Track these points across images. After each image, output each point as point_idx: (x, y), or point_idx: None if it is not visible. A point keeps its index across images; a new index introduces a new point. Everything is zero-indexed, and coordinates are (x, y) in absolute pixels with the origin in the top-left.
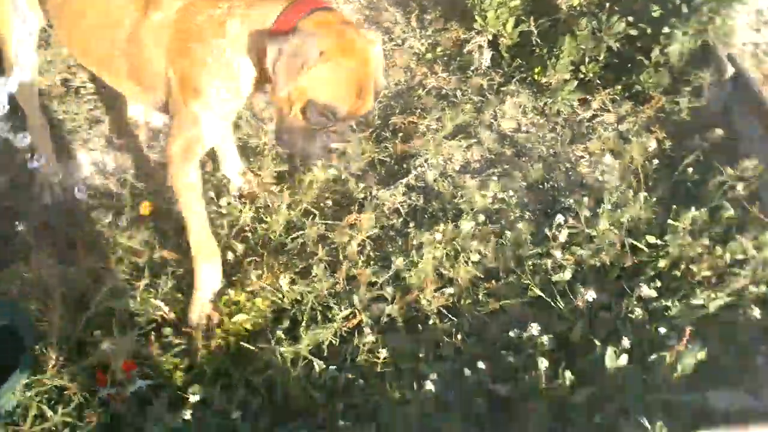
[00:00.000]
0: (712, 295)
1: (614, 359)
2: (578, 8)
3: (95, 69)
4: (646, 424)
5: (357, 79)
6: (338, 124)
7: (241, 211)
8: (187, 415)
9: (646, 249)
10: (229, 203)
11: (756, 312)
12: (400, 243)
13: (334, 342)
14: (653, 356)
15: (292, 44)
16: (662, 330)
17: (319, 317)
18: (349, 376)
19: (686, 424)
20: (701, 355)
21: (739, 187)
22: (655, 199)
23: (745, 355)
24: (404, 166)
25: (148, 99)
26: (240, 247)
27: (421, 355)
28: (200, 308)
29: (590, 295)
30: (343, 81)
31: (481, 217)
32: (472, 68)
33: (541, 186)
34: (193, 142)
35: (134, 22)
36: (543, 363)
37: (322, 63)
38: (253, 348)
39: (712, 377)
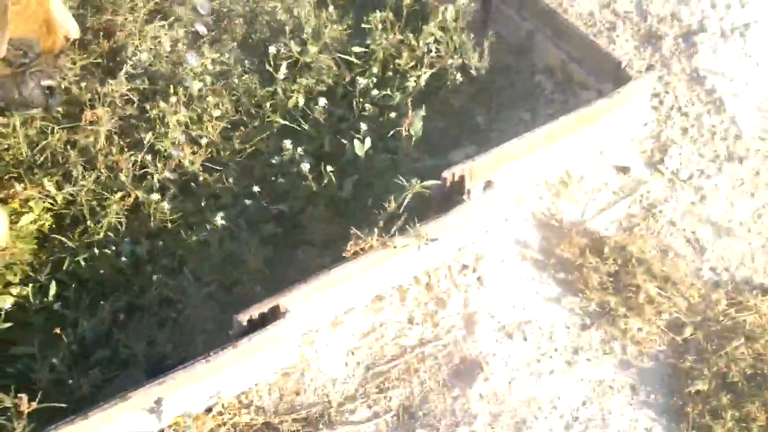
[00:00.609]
0: (419, 73)
1: (362, 148)
2: None
3: None
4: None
5: (41, 18)
6: (40, 61)
7: None
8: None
9: (356, 60)
10: None
11: (458, 77)
12: (144, 125)
13: (122, 222)
14: (390, 134)
15: None
16: (392, 115)
17: (97, 207)
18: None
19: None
20: (419, 123)
21: None
22: (345, 22)
23: (464, 117)
24: (118, 60)
25: None
26: None
27: (203, 205)
28: None
29: (322, 101)
30: (29, 19)
31: (209, 79)
32: None
33: (250, 40)
34: None
35: None
36: (305, 166)
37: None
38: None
39: (447, 144)
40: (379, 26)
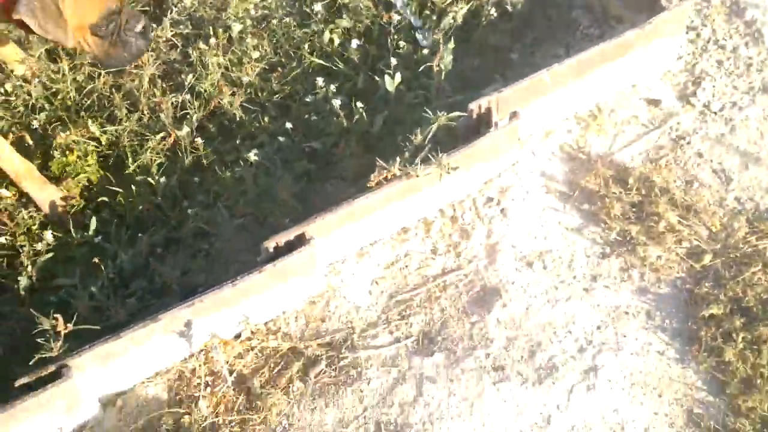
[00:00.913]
0: (456, 9)
1: (392, 83)
2: None
3: None
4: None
5: None
6: (122, 16)
7: (29, 92)
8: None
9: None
10: (14, 86)
11: (493, 12)
12: (186, 68)
13: (162, 162)
14: (421, 70)
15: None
16: (425, 52)
17: (138, 147)
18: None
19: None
20: (449, 57)
21: None
22: None
23: (500, 53)
24: (164, 6)
25: None
26: (42, 117)
27: (239, 143)
28: None
29: (354, 42)
30: None
31: (249, 21)
32: None
33: None
34: None
35: None
36: (336, 102)
37: None
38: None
39: (481, 81)
40: None
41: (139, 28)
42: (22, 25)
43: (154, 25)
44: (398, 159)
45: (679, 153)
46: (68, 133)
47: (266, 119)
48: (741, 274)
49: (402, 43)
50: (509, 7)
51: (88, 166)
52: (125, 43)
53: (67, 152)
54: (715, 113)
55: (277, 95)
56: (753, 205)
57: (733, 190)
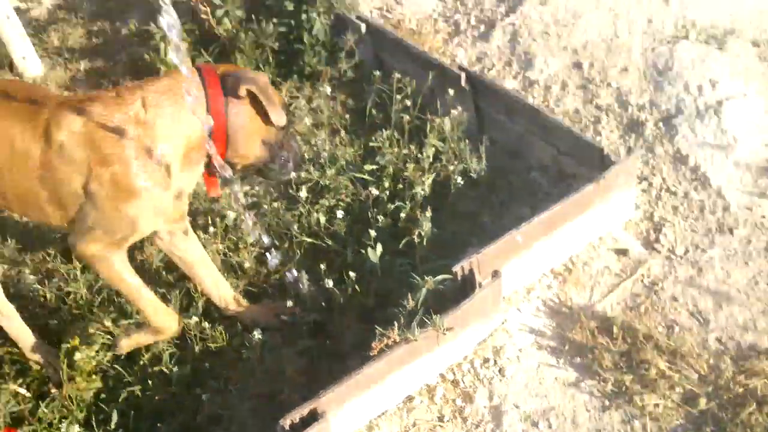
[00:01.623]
0: (424, 179)
1: (375, 254)
2: (232, 31)
3: (17, 208)
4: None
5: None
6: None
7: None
8: None
9: (369, 178)
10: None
11: (460, 180)
12: None
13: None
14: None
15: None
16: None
17: None
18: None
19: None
20: (427, 225)
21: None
22: (357, 144)
23: (471, 218)
24: None
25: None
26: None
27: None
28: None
29: (340, 213)
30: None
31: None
32: None
33: None
34: (122, 241)
35: (40, 150)
36: (329, 282)
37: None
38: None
39: (459, 245)
40: (386, 143)
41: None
42: None
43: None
44: (396, 324)
45: (655, 299)
46: (84, 326)
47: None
48: (738, 416)
49: (380, 217)
50: (474, 175)
51: (107, 361)
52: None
53: (85, 347)
54: (681, 257)
55: (273, 276)
56: (734, 344)
57: (713, 331)
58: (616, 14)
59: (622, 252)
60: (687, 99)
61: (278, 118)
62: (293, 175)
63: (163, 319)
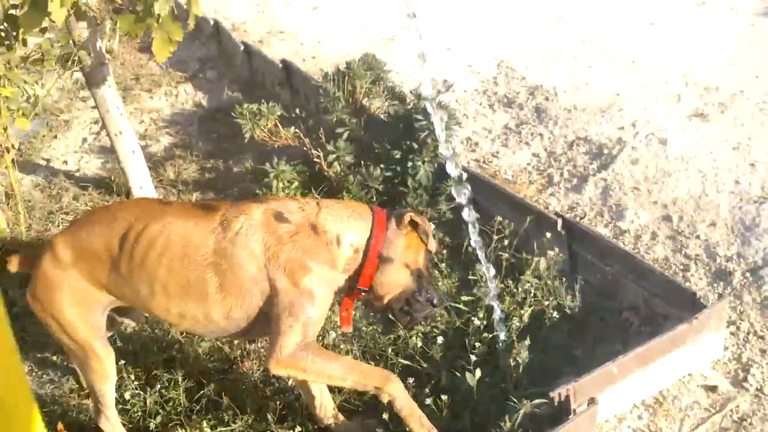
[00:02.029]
0: (522, 312)
1: (473, 378)
2: (341, 173)
3: (182, 308)
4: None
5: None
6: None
7: (145, 400)
8: None
9: (464, 308)
10: (132, 394)
11: (555, 314)
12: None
13: None
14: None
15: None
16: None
17: None
18: None
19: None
20: (524, 353)
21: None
22: (454, 276)
23: (563, 351)
24: None
25: (236, 314)
26: (158, 419)
27: None
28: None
29: (440, 339)
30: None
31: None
32: None
33: None
34: (309, 332)
35: (215, 241)
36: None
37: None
38: None
39: (550, 375)
40: (483, 276)
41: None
42: None
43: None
44: None
45: None
46: (184, 431)
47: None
48: None
49: (477, 344)
50: (567, 311)
51: None
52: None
53: None
54: None
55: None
56: None
57: None
58: (705, 175)
59: (711, 389)
60: None
61: (432, 244)
62: (433, 312)
63: (380, 375)
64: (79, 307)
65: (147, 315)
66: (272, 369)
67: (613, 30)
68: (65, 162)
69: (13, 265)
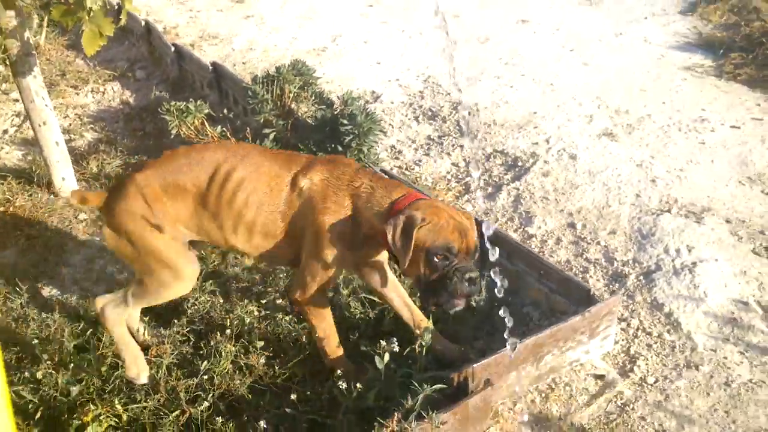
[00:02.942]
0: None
1: (381, 362)
2: None
3: (258, 240)
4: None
5: (456, 226)
6: (458, 259)
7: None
8: None
9: (379, 300)
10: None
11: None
12: (197, 360)
13: None
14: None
15: (399, 219)
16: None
17: (156, 424)
18: None
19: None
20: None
21: None
22: None
23: (468, 342)
24: (178, 308)
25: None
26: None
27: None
28: None
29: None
30: (446, 229)
31: (255, 321)
32: None
33: None
34: (324, 284)
35: (287, 192)
36: (342, 385)
37: (425, 224)
38: None
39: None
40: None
41: (468, 275)
42: None
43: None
44: (395, 415)
45: (626, 417)
46: (96, 408)
47: (268, 396)
48: None
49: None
50: (474, 304)
51: None
52: (450, 280)
53: (96, 424)
54: (651, 385)
55: (279, 378)
56: None
57: None
58: (609, 188)
59: (599, 377)
60: (666, 259)
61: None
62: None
63: (336, 361)
64: (164, 236)
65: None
66: (291, 300)
67: (535, 54)
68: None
69: (76, 197)
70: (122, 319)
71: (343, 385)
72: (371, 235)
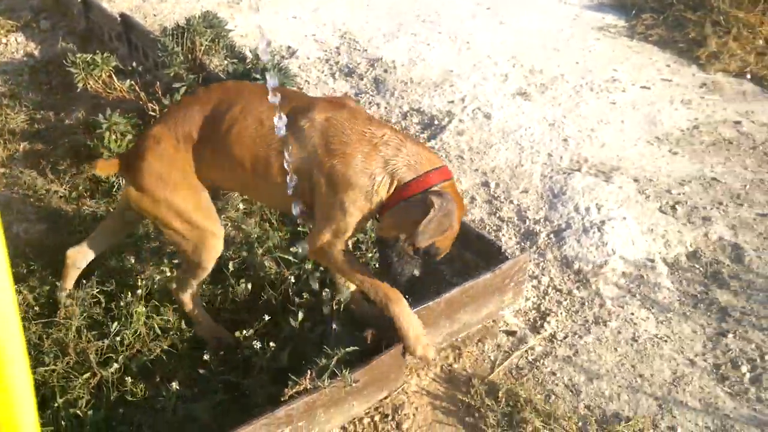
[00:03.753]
0: None
1: (296, 320)
2: None
3: (252, 180)
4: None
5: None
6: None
7: None
8: None
9: (294, 260)
10: None
11: (375, 265)
12: (109, 321)
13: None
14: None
15: (445, 209)
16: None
17: (65, 386)
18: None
19: None
20: (346, 293)
21: None
22: (286, 230)
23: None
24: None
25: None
26: None
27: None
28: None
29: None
30: (453, 237)
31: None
32: None
33: None
34: (340, 232)
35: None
36: (257, 344)
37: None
38: None
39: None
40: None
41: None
42: None
43: None
44: (309, 373)
45: (536, 372)
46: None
47: (184, 358)
48: None
49: (305, 294)
50: None
51: None
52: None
53: None
54: (561, 341)
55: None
56: (600, 411)
57: (583, 400)
58: (522, 147)
59: (511, 333)
60: (576, 217)
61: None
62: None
63: (386, 289)
64: (188, 191)
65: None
66: (309, 255)
67: (451, 12)
68: None
69: (101, 167)
70: (196, 299)
71: (257, 345)
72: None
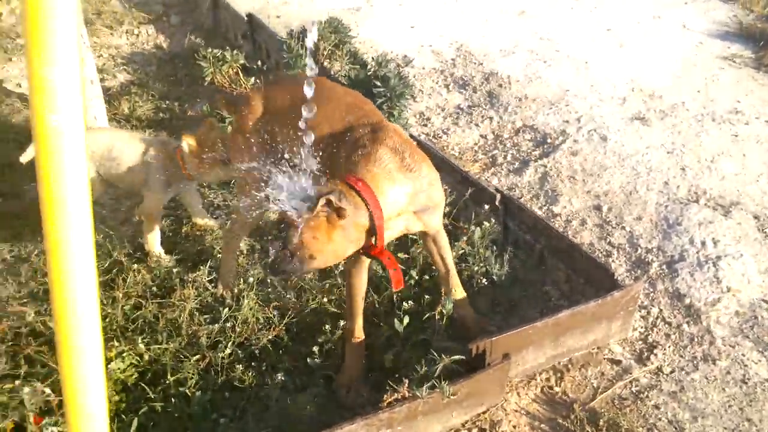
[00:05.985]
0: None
1: (401, 325)
2: None
3: None
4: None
5: None
6: None
7: None
8: None
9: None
10: None
11: (483, 281)
12: (220, 307)
13: (197, 379)
14: (426, 317)
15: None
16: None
17: (177, 366)
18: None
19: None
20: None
21: None
22: None
23: (486, 315)
24: (202, 256)
25: None
26: None
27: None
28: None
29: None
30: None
31: None
32: None
33: None
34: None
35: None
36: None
37: None
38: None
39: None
40: (419, 240)
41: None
42: None
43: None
44: (406, 382)
45: (640, 404)
46: (119, 345)
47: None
48: None
49: (410, 302)
50: (495, 278)
51: (130, 376)
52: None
53: (119, 360)
54: (667, 375)
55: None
56: None
57: None
58: (638, 173)
59: (616, 362)
60: (690, 250)
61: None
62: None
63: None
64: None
65: None
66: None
67: (571, 31)
68: (18, 85)
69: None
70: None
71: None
72: None
